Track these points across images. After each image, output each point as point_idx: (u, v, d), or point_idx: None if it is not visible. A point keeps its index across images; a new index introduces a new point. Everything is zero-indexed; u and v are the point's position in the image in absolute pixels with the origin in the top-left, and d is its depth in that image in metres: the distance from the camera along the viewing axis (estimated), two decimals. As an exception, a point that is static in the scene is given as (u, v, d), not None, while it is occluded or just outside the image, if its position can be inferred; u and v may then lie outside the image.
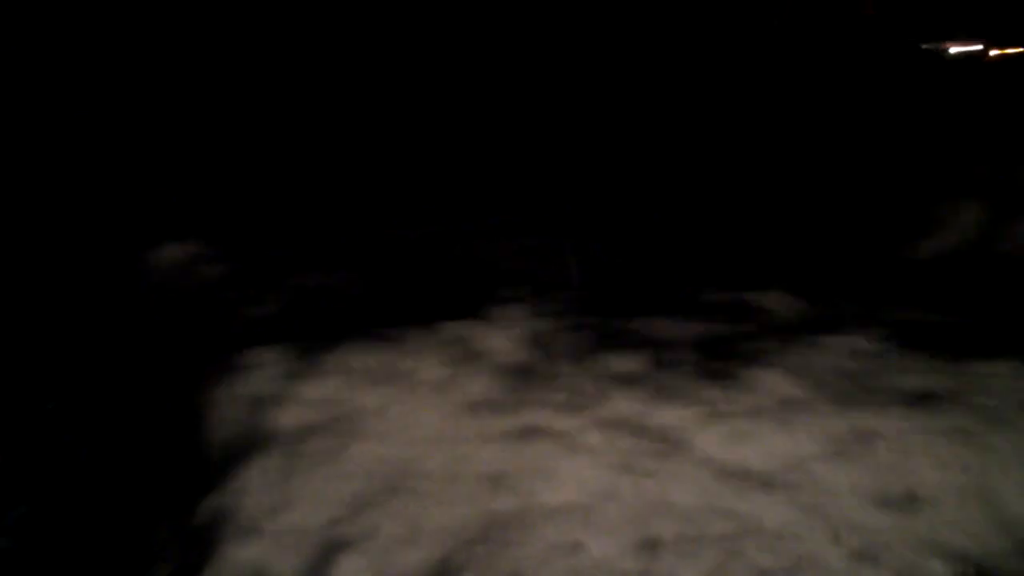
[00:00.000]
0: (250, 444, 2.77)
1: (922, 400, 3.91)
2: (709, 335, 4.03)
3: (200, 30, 7.46)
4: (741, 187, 6.33)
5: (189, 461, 2.82)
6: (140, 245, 3.94)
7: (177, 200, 4.46)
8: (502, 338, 3.42)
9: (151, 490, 2.83)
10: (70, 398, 3.17)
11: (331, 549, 2.48)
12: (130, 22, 7.42)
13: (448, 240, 4.44)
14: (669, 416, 3.38)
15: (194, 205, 4.49)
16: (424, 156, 5.85)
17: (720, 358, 3.80)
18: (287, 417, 2.85)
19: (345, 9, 8.17)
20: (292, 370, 3.01)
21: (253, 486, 2.63)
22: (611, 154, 6.39)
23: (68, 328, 3.54)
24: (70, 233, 4.12)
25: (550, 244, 4.62)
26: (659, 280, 4.56)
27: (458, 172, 5.70)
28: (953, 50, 16.77)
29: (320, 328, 3.30)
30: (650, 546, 2.64)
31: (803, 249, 5.53)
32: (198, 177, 4.79)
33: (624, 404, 3.35)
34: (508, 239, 4.59)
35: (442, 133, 6.26)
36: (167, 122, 5.40)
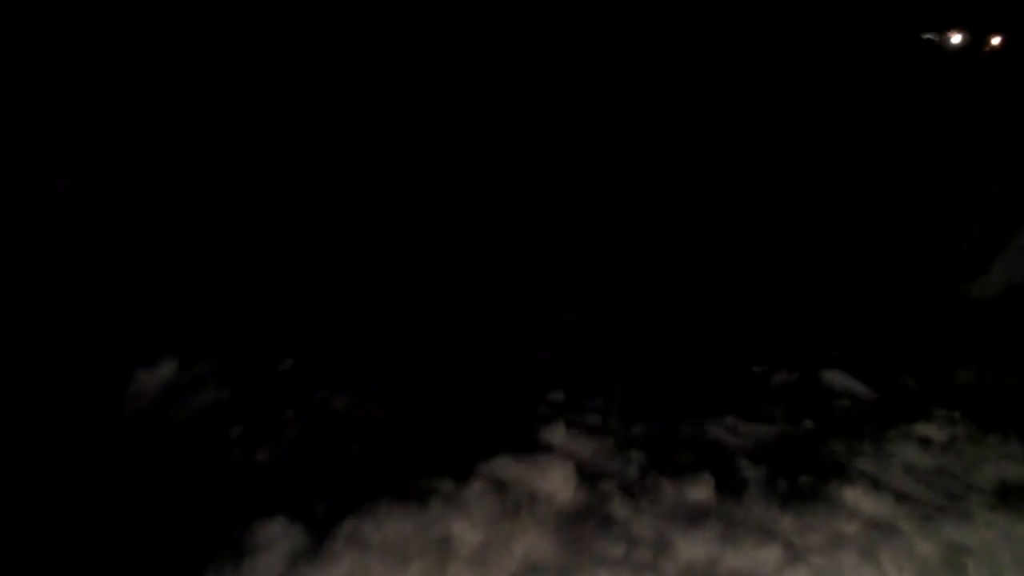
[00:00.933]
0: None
1: (1004, 497, 3.51)
2: (770, 438, 3.53)
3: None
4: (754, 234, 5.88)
5: None
6: (123, 363, 3.27)
7: (168, 300, 3.82)
8: (545, 476, 2.88)
9: None
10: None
11: None
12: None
13: (468, 336, 3.87)
14: (743, 561, 2.87)
15: (189, 307, 3.84)
16: (436, 236, 5.30)
17: (788, 471, 3.30)
18: (294, 618, 2.29)
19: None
20: (300, 548, 2.44)
21: None
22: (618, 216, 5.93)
23: (22, 476, 2.89)
24: (34, 345, 3.44)
25: (579, 331, 4.09)
26: (702, 364, 4.04)
27: (469, 250, 5.16)
28: (955, 39, 16.32)
29: (335, 479, 2.74)
30: None
31: (842, 306, 5.04)
32: (192, 275, 4.11)
33: (691, 550, 2.83)
34: (534, 328, 4.05)
35: (451, 208, 5.73)
36: (152, 212, 4.69)
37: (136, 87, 7.19)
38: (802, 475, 3.28)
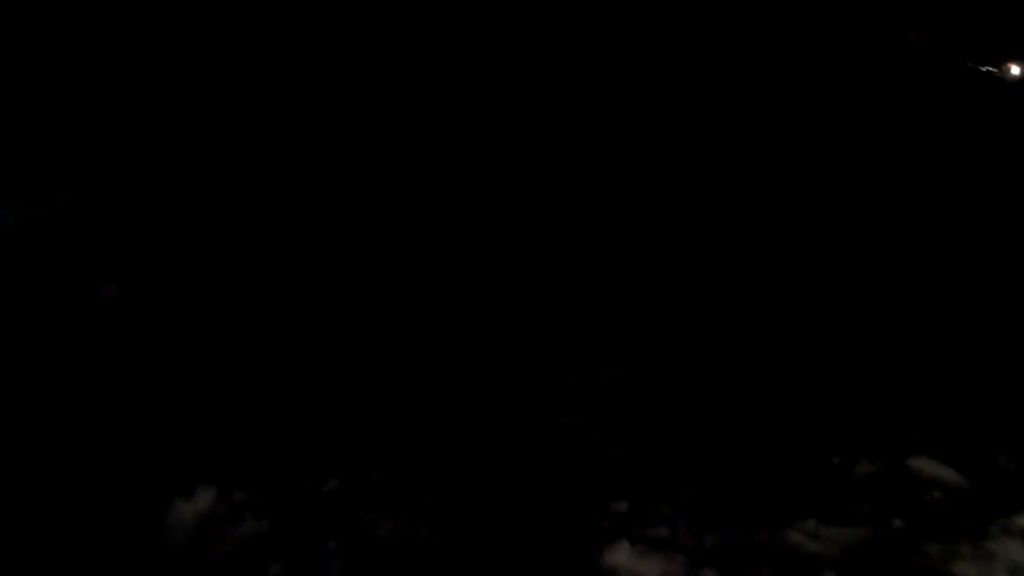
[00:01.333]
0: None
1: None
2: (857, 543, 3.21)
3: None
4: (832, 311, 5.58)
5: None
6: (160, 491, 3.10)
7: (210, 417, 3.67)
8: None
9: None
10: None
11: None
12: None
13: (523, 439, 3.65)
14: None
15: (229, 423, 3.69)
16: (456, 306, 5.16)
17: (880, 582, 3.00)
18: None
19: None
20: None
21: None
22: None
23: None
24: (68, 471, 3.30)
25: (640, 427, 3.84)
26: (776, 456, 3.75)
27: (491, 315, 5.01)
28: (1015, 70, 16.09)
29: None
30: None
31: (920, 377, 4.71)
32: (233, 388, 3.95)
33: None
34: (590, 426, 3.81)
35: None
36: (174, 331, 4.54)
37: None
38: (895, 586, 2.98)
